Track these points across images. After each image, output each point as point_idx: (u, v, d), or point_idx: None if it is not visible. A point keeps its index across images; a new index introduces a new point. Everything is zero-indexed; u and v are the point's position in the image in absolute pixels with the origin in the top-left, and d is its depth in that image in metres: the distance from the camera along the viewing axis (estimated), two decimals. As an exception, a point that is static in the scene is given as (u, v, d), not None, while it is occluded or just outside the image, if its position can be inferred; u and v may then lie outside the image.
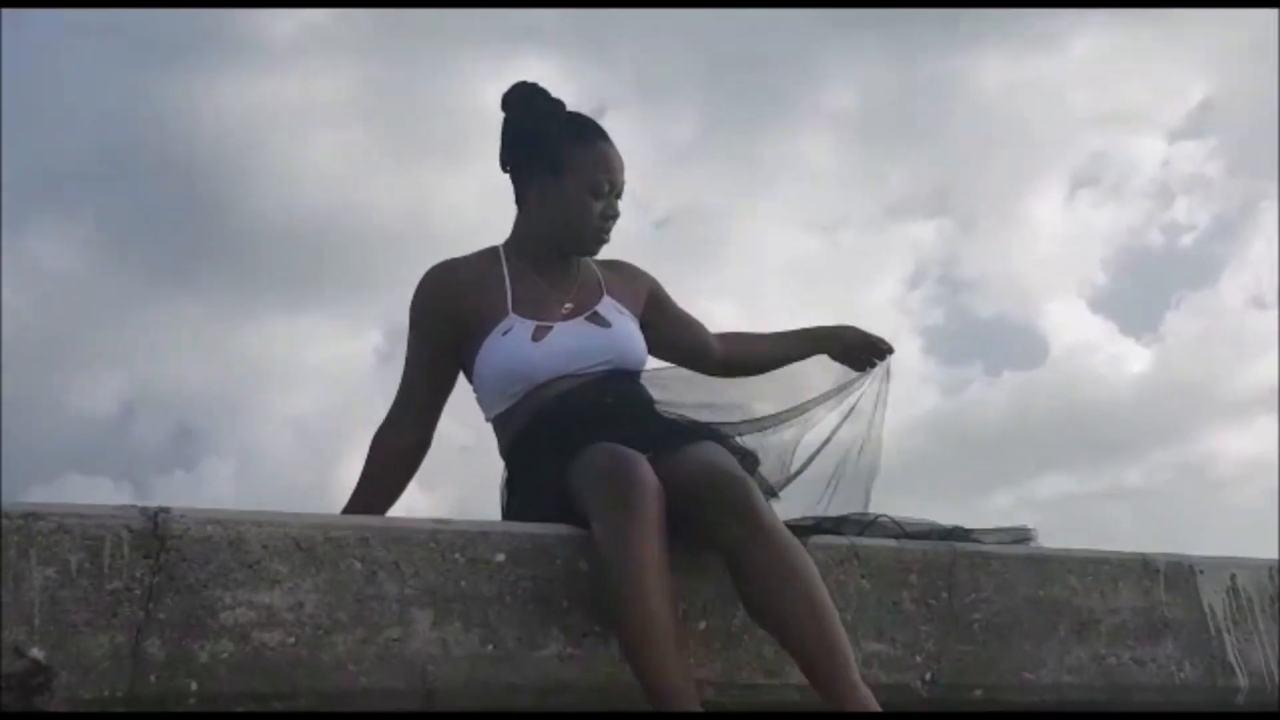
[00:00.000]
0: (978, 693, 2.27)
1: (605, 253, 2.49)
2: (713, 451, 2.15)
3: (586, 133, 2.45)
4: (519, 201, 2.49)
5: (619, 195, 2.45)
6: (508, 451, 2.37)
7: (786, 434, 2.66)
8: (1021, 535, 2.46)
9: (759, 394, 2.70)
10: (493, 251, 2.48)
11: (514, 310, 2.37)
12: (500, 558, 1.99)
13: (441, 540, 1.96)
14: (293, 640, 1.84)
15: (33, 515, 1.74)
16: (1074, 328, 17.00)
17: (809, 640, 1.93)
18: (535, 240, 2.46)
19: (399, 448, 2.42)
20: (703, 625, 2.10)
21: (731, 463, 2.11)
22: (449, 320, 2.39)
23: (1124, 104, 15.96)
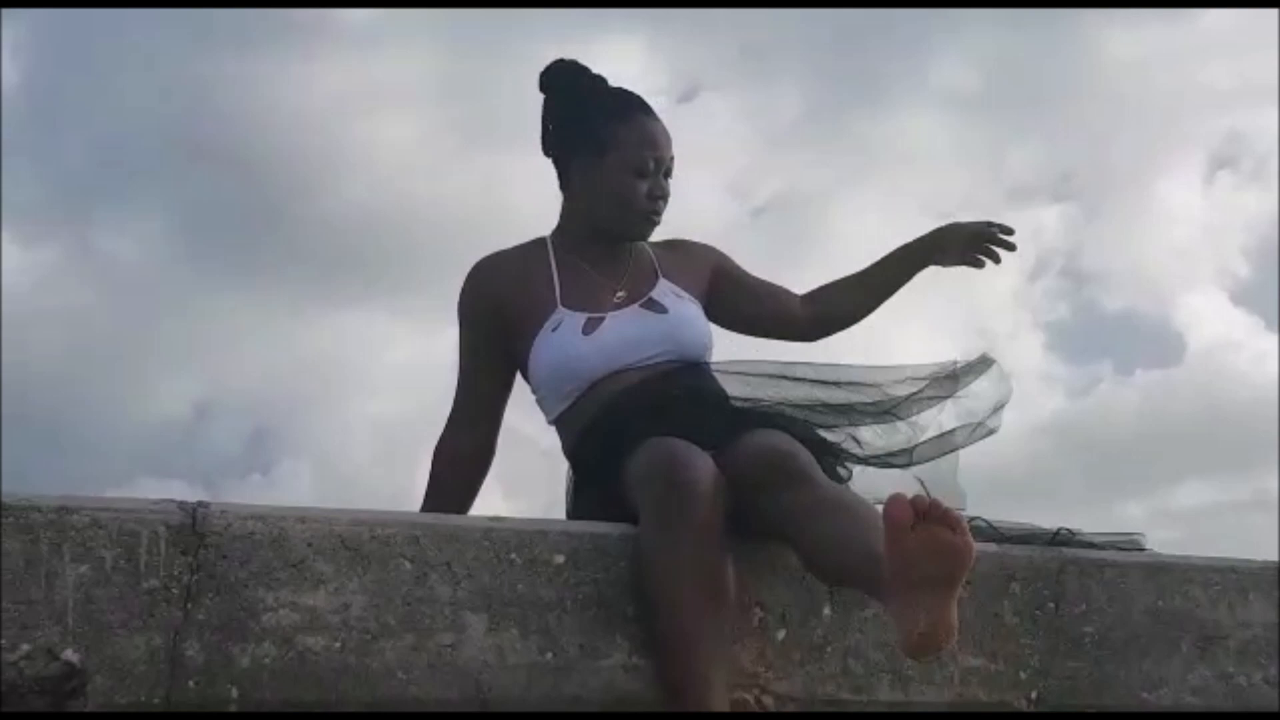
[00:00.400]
0: (1090, 714, 2.08)
1: (666, 233, 2.37)
2: (774, 436, 2.00)
3: (629, 108, 2.31)
4: (563, 187, 2.37)
5: (668, 173, 2.30)
6: (570, 453, 2.24)
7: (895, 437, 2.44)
8: (1132, 543, 2.25)
9: (856, 393, 2.49)
10: (539, 243, 2.35)
11: (563, 304, 2.24)
12: (559, 559, 1.87)
13: (496, 540, 1.84)
14: (339, 645, 1.74)
15: (65, 509, 1.66)
16: (1213, 323, 15.73)
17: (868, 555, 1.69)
18: (581, 227, 2.33)
19: (461, 455, 2.30)
20: (782, 635, 1.95)
21: (791, 442, 1.97)
22: (497, 317, 2.28)
23: (1263, 78, 14.53)
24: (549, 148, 2.37)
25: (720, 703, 1.83)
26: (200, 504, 1.73)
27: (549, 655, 1.83)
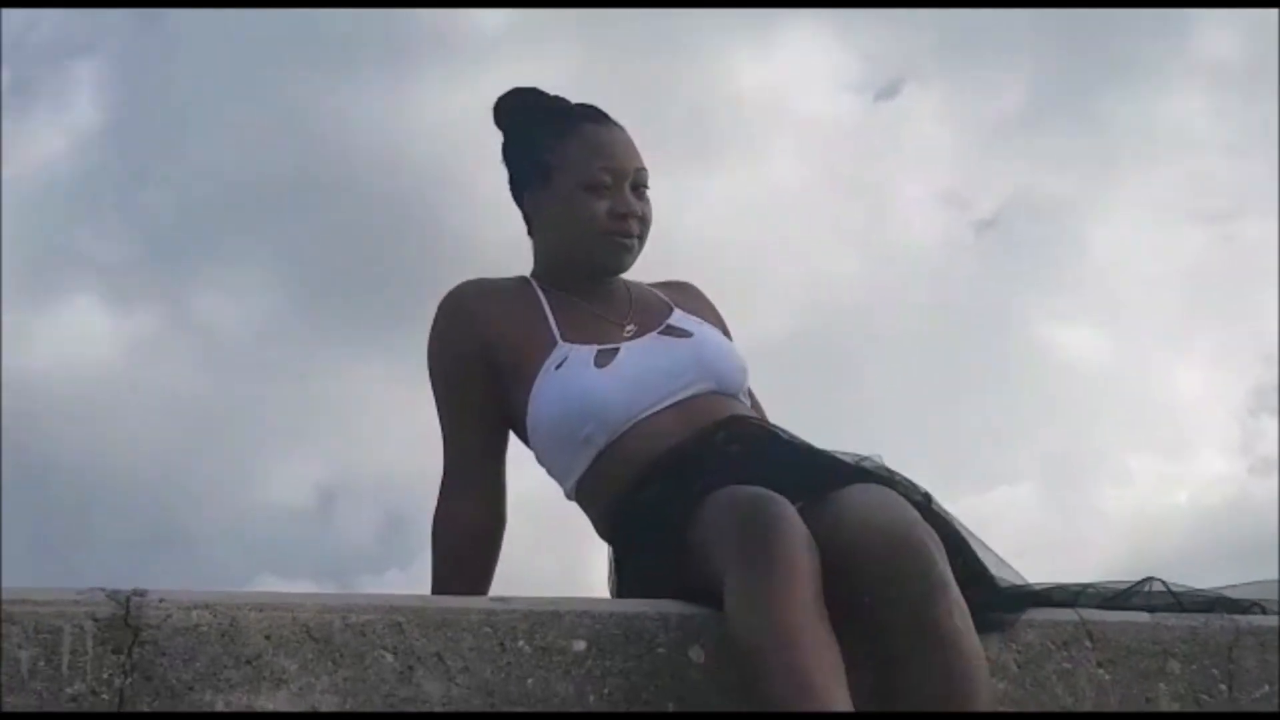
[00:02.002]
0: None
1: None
2: (884, 501, 1.61)
3: (571, 120, 1.96)
4: (528, 228, 2.02)
5: (637, 188, 1.93)
6: (608, 525, 1.84)
7: None
8: None
9: None
10: (522, 279, 2.00)
11: (563, 339, 1.87)
12: (579, 646, 1.53)
13: (499, 624, 1.52)
14: (302, 758, 1.44)
15: (-24, 602, 1.41)
16: None
17: None
18: (553, 267, 1.97)
19: (464, 533, 1.91)
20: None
21: (911, 519, 1.57)
22: (483, 356, 1.90)
23: None
24: (511, 191, 2.03)
25: None
26: (135, 592, 1.46)
27: (567, 769, 1.49)
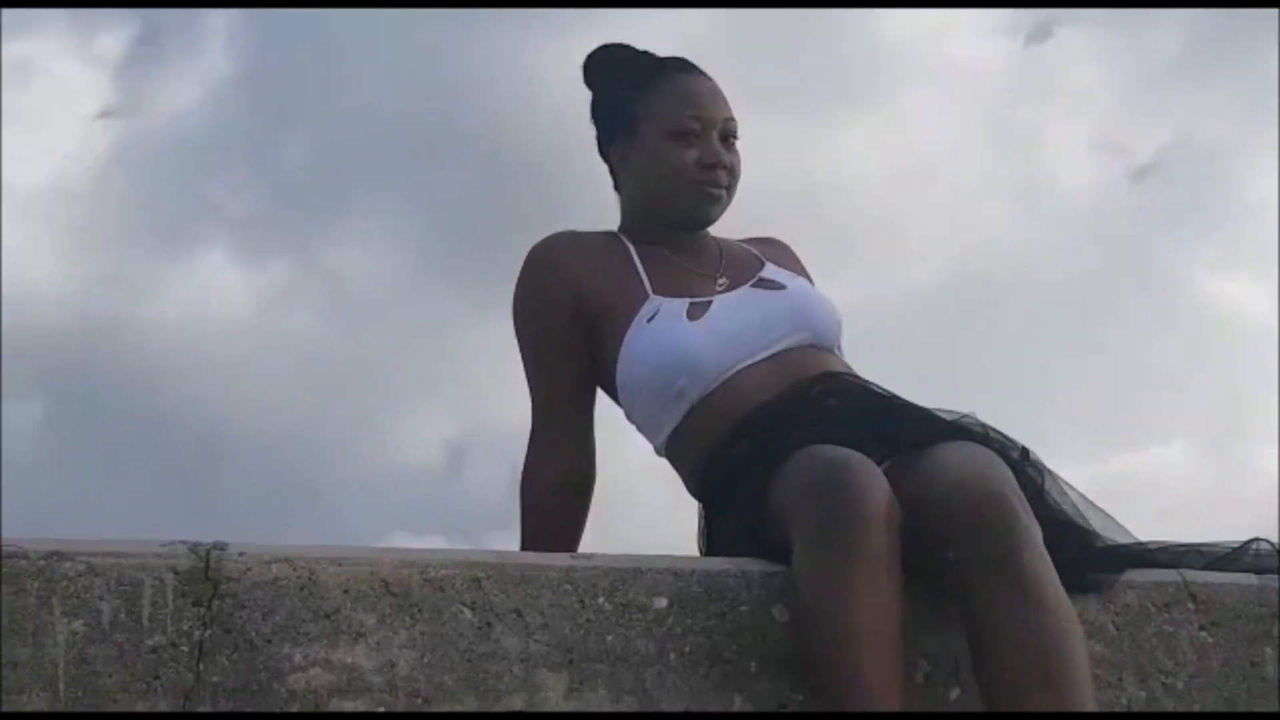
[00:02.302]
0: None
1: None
2: (975, 457, 1.56)
3: (658, 70, 1.93)
4: (616, 187, 1.99)
5: (726, 136, 1.89)
6: (699, 482, 1.80)
7: None
8: None
9: None
10: (611, 234, 1.97)
11: (655, 292, 1.84)
12: (661, 603, 1.50)
13: (579, 581, 1.49)
14: (382, 710, 1.42)
15: (57, 555, 1.41)
16: None
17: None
18: (640, 221, 1.94)
19: (552, 484, 1.88)
20: (955, 694, 1.52)
21: (999, 477, 1.52)
22: (574, 308, 1.87)
23: None
24: (599, 148, 2.00)
25: None
26: (215, 545, 1.46)
27: (644, 724, 1.46)
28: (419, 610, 1.46)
